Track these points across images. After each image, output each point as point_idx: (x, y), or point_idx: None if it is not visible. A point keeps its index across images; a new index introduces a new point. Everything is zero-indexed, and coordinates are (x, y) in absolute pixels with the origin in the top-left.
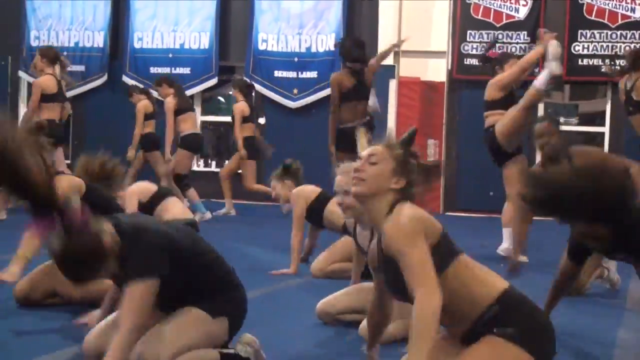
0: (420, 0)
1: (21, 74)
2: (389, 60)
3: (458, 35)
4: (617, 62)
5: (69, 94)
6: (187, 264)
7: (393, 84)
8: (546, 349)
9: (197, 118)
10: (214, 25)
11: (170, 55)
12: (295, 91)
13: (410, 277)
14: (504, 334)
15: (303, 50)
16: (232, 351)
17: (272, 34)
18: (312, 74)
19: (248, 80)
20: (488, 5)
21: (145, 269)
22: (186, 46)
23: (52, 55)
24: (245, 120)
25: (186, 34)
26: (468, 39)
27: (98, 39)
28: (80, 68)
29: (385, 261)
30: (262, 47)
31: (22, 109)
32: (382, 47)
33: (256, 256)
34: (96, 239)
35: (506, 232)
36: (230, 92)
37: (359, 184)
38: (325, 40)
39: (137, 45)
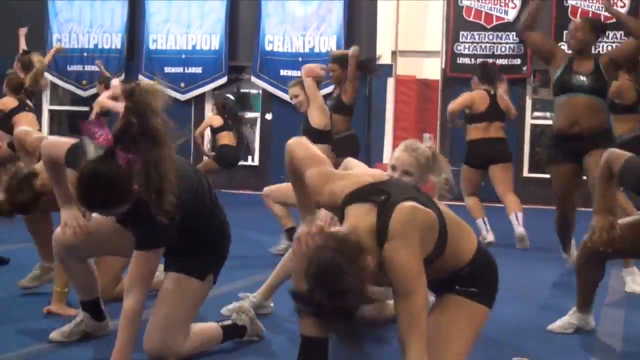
0: (415, 2)
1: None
2: (386, 60)
3: (451, 36)
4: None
5: (91, 91)
6: (201, 219)
7: (391, 82)
8: (495, 293)
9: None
10: (223, 28)
11: (183, 56)
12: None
13: (407, 325)
14: (467, 293)
15: (307, 50)
16: (229, 322)
17: (277, 36)
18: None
19: (226, 99)
20: (479, 8)
21: (158, 242)
22: (198, 47)
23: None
24: (221, 129)
25: (198, 36)
26: (460, 40)
27: (116, 41)
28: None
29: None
30: (268, 47)
31: (46, 107)
32: (380, 47)
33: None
34: (128, 180)
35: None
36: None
37: None
38: (327, 41)
39: (152, 46)
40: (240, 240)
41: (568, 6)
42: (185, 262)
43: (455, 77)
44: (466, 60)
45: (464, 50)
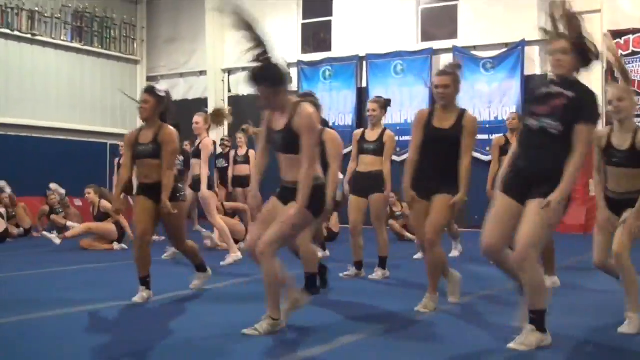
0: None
1: None
2: None
3: None
4: None
5: None
6: None
7: None
8: None
9: None
10: (426, 106)
11: (398, 128)
12: (487, 148)
13: None
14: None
15: (492, 118)
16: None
17: (469, 108)
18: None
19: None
20: (633, 78)
21: None
22: (409, 121)
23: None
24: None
25: (409, 113)
26: None
27: (347, 119)
28: None
29: None
30: None
31: None
32: None
33: None
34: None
35: None
36: None
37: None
38: (508, 111)
39: None
40: None
41: None
42: None
43: None
44: None
45: None
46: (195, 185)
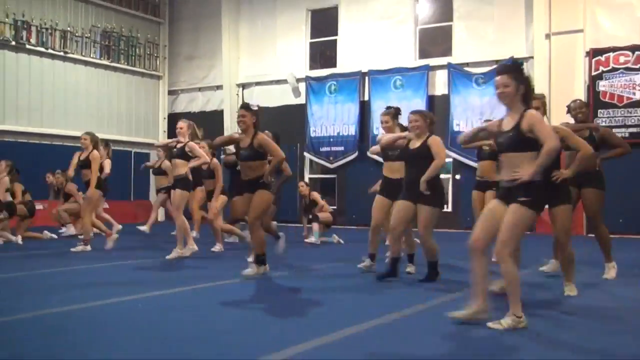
0: (563, 89)
1: (305, 154)
2: None
3: (592, 112)
4: None
5: (337, 164)
6: None
7: None
8: None
9: None
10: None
11: None
12: None
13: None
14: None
15: None
16: None
17: (462, 120)
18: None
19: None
20: (612, 92)
21: None
22: None
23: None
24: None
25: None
26: (599, 115)
27: (351, 129)
28: (340, 148)
29: None
30: (456, 128)
31: (306, 175)
32: None
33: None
34: None
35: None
36: None
37: None
38: None
39: (375, 132)
40: None
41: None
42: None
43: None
44: None
45: (602, 123)
46: (177, 184)
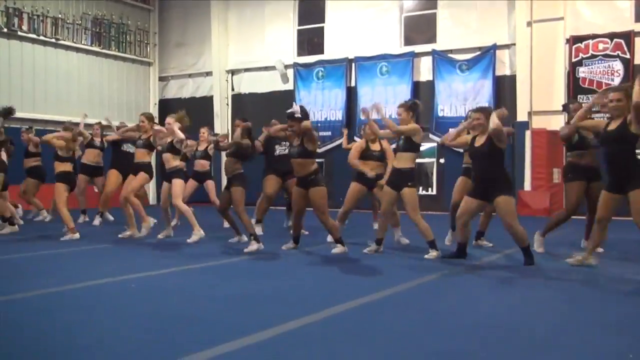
0: (544, 77)
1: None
2: (524, 118)
3: (572, 97)
4: None
5: (324, 148)
6: None
7: (528, 133)
8: None
9: None
10: None
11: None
12: None
13: None
14: None
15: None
16: None
17: (447, 106)
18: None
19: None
20: (592, 78)
21: None
22: (393, 117)
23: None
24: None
25: (392, 109)
26: (579, 100)
27: (338, 114)
28: (327, 133)
29: None
30: (440, 114)
31: None
32: (519, 109)
33: None
34: None
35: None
36: None
37: None
38: None
39: (362, 117)
40: None
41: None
42: None
43: None
44: None
45: None
46: (171, 175)
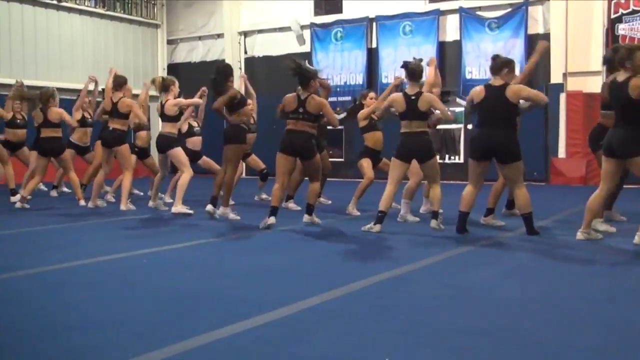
0: (581, 35)
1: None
2: (559, 80)
3: None
4: None
5: (342, 115)
6: None
7: (563, 97)
8: None
9: None
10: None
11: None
12: None
13: None
14: None
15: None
16: None
17: (475, 67)
18: None
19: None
20: (632, 35)
21: None
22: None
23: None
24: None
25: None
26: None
27: (358, 78)
28: (347, 98)
29: None
30: (468, 76)
31: None
32: (553, 70)
33: None
34: None
35: None
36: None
37: None
38: None
39: (384, 81)
40: None
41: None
42: None
43: None
44: (621, 78)
45: None
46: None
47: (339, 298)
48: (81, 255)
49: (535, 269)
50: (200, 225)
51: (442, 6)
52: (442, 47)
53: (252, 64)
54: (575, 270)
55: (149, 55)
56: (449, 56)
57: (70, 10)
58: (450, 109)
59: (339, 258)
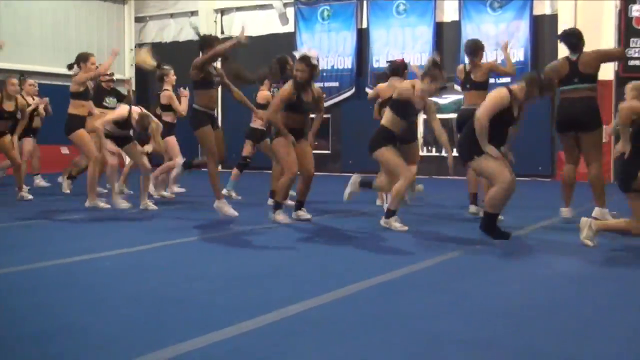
0: (591, 15)
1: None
2: None
3: (623, 42)
4: None
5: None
6: None
7: None
8: None
9: None
10: (430, 48)
11: None
12: None
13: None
14: None
15: (499, 61)
16: None
17: None
18: (506, 80)
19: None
20: None
21: None
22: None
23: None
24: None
25: (411, 55)
26: (631, 45)
27: (347, 62)
28: (335, 84)
29: None
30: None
31: None
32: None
33: None
34: None
35: None
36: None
37: None
38: (516, 54)
39: (375, 65)
40: None
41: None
42: None
43: (627, 77)
44: (637, 63)
45: (634, 54)
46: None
47: (324, 305)
48: (44, 256)
49: (537, 274)
50: (178, 223)
51: None
52: (439, 28)
53: None
54: (581, 274)
55: (114, 35)
56: (446, 39)
57: None
58: (448, 96)
59: (324, 261)
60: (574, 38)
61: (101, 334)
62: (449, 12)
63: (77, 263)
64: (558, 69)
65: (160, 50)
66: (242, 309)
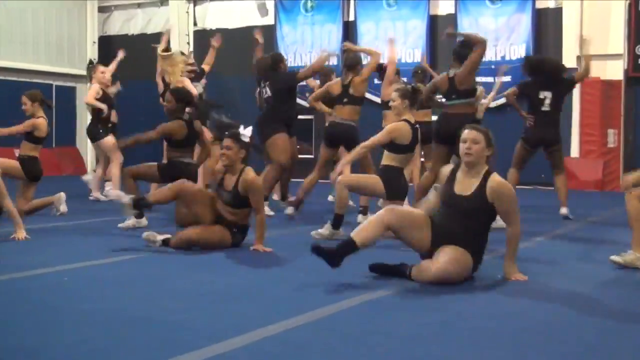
0: (598, 10)
1: None
2: (572, 64)
3: (633, 39)
4: None
5: None
6: None
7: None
8: None
9: None
10: (423, 43)
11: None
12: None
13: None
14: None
15: (498, 58)
16: None
17: None
18: (507, 78)
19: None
20: None
21: None
22: (403, 60)
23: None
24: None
25: (402, 51)
26: None
27: (332, 58)
28: (318, 81)
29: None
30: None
31: None
32: (565, 52)
33: None
34: None
35: None
36: None
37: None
38: (517, 50)
39: (363, 62)
40: None
41: None
42: None
43: (638, 77)
44: None
45: None
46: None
47: (306, 325)
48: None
49: (534, 293)
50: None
51: None
52: (433, 22)
53: (203, 38)
54: (582, 293)
55: (75, 26)
56: (441, 33)
57: None
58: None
59: (307, 277)
60: (466, 50)
61: (52, 357)
62: (444, 5)
63: (29, 278)
64: (438, 85)
65: (126, 42)
66: (214, 329)
